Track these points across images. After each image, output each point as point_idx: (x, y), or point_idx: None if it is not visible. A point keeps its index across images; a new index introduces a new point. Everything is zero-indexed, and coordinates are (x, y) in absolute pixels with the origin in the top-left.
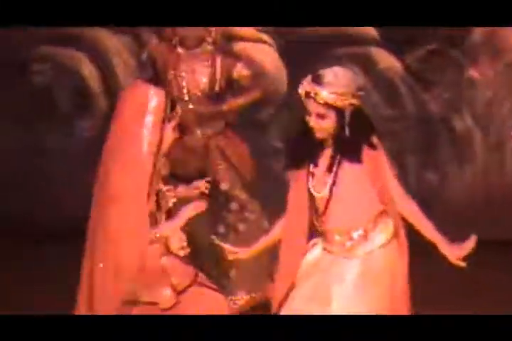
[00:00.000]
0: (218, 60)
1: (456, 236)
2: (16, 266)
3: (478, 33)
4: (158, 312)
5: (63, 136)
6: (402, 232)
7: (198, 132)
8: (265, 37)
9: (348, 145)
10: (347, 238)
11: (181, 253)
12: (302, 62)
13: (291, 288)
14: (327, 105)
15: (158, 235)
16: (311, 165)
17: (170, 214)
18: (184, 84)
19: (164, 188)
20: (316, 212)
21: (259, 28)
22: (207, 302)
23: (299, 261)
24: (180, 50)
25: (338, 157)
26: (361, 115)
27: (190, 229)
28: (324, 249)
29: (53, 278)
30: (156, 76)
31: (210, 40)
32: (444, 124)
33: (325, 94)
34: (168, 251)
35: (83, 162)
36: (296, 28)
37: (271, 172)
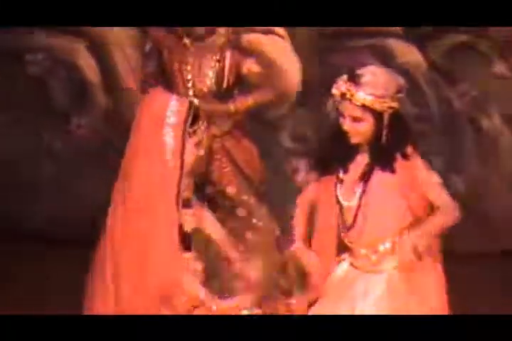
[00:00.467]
0: (228, 54)
1: (482, 242)
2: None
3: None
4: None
5: (58, 133)
6: (435, 244)
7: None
8: (278, 28)
9: (384, 153)
10: (373, 251)
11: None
12: (316, 54)
13: (314, 303)
14: (364, 107)
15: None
16: (341, 171)
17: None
18: (189, 77)
19: (185, 211)
20: (343, 223)
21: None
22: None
23: (326, 276)
24: (187, 41)
25: (372, 164)
26: (400, 120)
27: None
28: (351, 264)
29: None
30: (160, 69)
31: (221, 31)
32: (470, 124)
33: (362, 95)
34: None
35: (76, 162)
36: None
37: (282, 175)
